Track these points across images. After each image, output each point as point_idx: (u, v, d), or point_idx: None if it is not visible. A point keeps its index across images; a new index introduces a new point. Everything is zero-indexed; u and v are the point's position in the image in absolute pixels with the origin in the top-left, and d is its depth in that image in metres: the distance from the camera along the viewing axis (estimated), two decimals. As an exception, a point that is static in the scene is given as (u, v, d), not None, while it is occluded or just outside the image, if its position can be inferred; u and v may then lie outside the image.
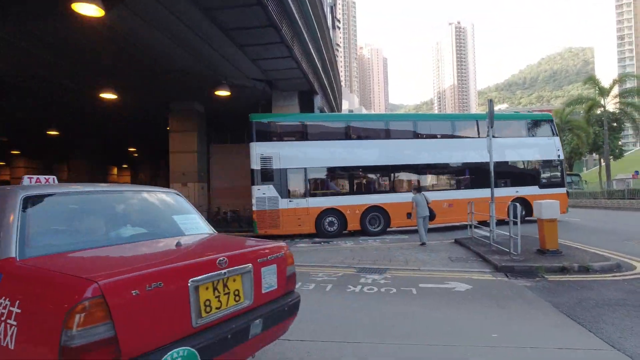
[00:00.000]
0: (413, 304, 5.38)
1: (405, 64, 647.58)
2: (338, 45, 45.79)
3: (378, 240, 12.41)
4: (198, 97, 19.35)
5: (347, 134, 14.83)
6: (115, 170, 44.49)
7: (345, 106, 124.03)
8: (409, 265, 7.92)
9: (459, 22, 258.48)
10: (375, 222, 13.91)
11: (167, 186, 18.30)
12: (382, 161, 14.27)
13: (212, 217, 19.44)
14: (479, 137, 14.61)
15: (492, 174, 10.04)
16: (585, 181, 45.83)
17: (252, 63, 15.06)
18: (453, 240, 11.43)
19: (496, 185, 11.18)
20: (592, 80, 30.64)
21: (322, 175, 14.41)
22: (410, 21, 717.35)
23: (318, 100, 19.86)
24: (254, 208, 13.39)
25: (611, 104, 31.13)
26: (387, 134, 14.90)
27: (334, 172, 14.44)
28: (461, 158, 14.68)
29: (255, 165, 13.78)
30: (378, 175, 14.68)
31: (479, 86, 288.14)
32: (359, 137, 14.97)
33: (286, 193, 13.68)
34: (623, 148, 44.67)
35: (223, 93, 16.59)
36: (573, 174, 48.96)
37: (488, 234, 9.84)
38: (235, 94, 17.53)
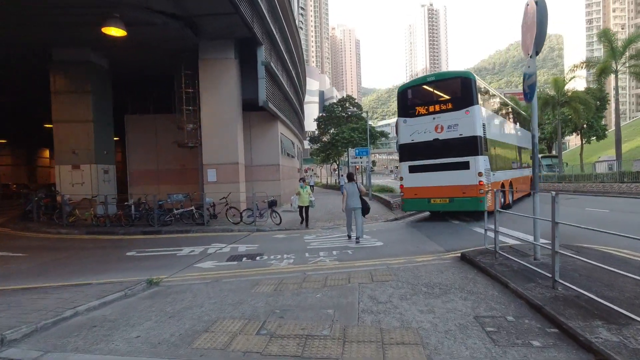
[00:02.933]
0: None
1: (378, 47, 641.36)
2: (302, 9, 40.35)
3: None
4: (91, 41, 13.67)
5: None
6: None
7: (315, 86, 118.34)
8: None
9: (431, 4, 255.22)
10: None
11: (51, 171, 12.79)
12: None
13: (130, 212, 13.71)
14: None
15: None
16: (566, 163, 42.94)
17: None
18: (458, 256, 6.87)
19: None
20: (605, 35, 26.00)
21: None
22: (383, 2, 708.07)
23: (262, 54, 14.62)
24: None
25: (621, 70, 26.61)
26: None
27: None
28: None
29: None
30: None
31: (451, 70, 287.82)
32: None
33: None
34: (606, 128, 41.95)
35: (116, 32, 11.17)
36: (552, 155, 46.26)
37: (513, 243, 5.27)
38: (140, 36, 12.19)
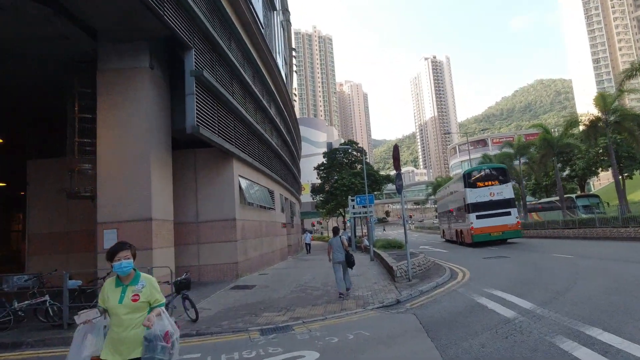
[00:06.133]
0: None
1: (386, 99, 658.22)
2: (295, 49, 37.07)
3: None
4: None
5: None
6: None
7: (322, 138, 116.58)
8: None
9: (434, 57, 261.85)
10: None
11: None
12: None
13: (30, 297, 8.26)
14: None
15: None
16: (608, 203, 36.19)
17: None
18: None
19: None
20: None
21: None
22: (388, 57, 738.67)
23: (192, 61, 10.11)
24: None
25: None
26: None
27: None
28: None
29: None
30: None
31: (459, 118, 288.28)
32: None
33: None
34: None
35: None
36: (588, 194, 39.84)
37: None
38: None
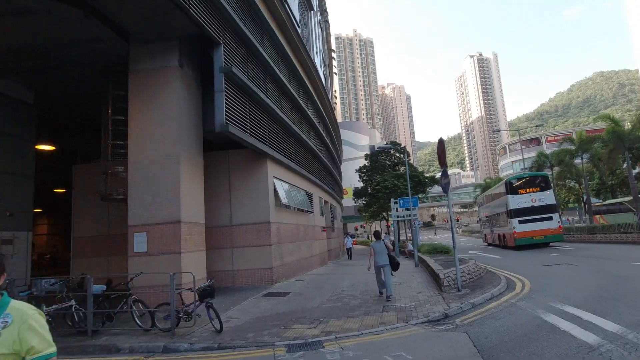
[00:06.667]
0: None
1: (429, 100, 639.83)
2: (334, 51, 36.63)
3: None
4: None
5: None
6: None
7: (365, 141, 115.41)
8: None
9: (480, 54, 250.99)
10: None
11: None
12: None
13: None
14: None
15: None
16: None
17: None
18: None
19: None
20: None
21: None
22: (432, 57, 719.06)
23: (221, 57, 9.74)
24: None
25: None
26: None
27: None
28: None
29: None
30: None
31: (509, 117, 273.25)
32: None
33: None
34: None
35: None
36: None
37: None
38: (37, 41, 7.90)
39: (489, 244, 29.04)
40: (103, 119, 10.39)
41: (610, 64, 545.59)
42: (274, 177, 13.74)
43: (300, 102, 18.01)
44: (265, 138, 12.88)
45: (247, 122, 11.33)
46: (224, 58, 10.10)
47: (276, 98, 14.56)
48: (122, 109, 10.04)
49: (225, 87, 9.99)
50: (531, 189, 22.55)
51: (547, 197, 22.21)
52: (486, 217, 30.95)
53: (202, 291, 7.03)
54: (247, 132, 11.14)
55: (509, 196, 22.74)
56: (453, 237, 10.19)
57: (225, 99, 9.95)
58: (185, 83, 10.24)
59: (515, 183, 23.51)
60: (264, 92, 13.00)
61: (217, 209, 12.91)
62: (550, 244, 22.46)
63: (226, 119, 9.83)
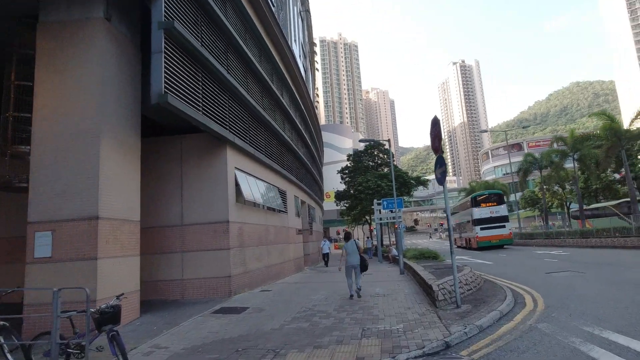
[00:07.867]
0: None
1: (413, 106, 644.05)
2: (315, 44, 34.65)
3: None
4: None
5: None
6: None
7: (348, 144, 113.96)
8: None
9: (463, 61, 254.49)
10: None
11: None
12: None
13: None
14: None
15: None
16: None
17: None
18: None
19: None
20: None
21: None
22: (416, 63, 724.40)
23: (160, 11, 7.54)
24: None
25: None
26: None
27: None
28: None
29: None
30: None
31: (490, 123, 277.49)
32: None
33: None
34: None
35: None
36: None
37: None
38: None
39: (458, 247, 33.99)
40: (4, 85, 8.05)
41: (587, 74, 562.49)
42: (236, 167, 11.56)
43: (273, 87, 15.92)
44: (225, 120, 10.72)
45: (198, 96, 9.17)
46: (167, 12, 7.96)
47: (241, 77, 12.44)
48: (30, 74, 7.74)
49: (165, 48, 7.84)
50: (490, 204, 29.26)
51: (502, 210, 28.76)
52: (456, 223, 36.70)
53: (100, 315, 4.83)
54: (197, 110, 8.97)
55: (474, 208, 29.44)
56: (450, 241, 8.24)
57: (165, 63, 7.80)
58: (115, 42, 8.04)
59: (478, 198, 30.46)
60: (225, 66, 10.87)
61: (166, 205, 10.67)
62: (504, 246, 28.55)
63: (165, 88, 7.66)
